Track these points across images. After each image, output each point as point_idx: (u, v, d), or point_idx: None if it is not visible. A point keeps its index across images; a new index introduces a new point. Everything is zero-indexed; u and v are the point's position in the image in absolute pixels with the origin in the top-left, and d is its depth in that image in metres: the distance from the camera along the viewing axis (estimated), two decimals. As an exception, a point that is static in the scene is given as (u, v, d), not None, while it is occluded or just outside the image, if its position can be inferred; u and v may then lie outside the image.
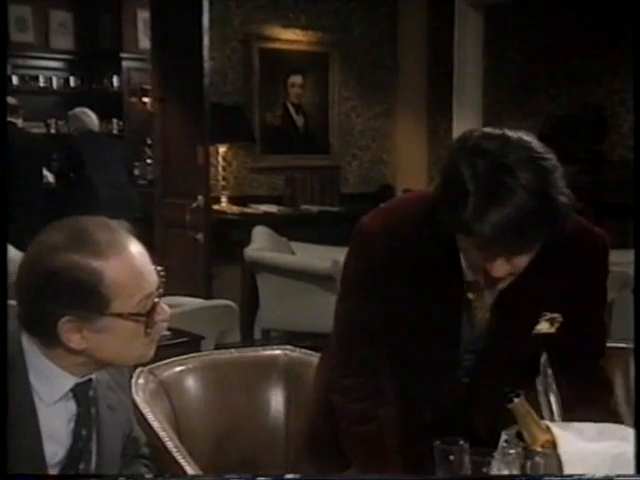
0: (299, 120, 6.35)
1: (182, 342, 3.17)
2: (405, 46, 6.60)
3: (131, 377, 1.59)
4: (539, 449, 1.46)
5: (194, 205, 5.57)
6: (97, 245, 1.30)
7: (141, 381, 2.02)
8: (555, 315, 1.68)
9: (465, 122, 6.46)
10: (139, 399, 1.95)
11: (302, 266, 4.97)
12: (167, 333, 2.99)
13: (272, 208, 5.91)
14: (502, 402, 1.66)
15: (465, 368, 1.75)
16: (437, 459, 1.44)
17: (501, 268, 1.52)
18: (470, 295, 1.69)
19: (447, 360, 1.75)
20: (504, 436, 1.51)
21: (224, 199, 5.90)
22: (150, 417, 1.92)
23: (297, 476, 1.60)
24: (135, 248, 1.34)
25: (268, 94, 6.15)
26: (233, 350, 2.31)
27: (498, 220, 1.43)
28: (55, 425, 1.37)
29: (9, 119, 6.07)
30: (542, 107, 6.26)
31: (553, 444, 1.48)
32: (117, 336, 1.32)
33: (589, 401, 1.67)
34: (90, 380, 1.41)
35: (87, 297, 1.29)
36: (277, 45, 6.13)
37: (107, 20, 8.39)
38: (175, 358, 2.18)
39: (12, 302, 1.37)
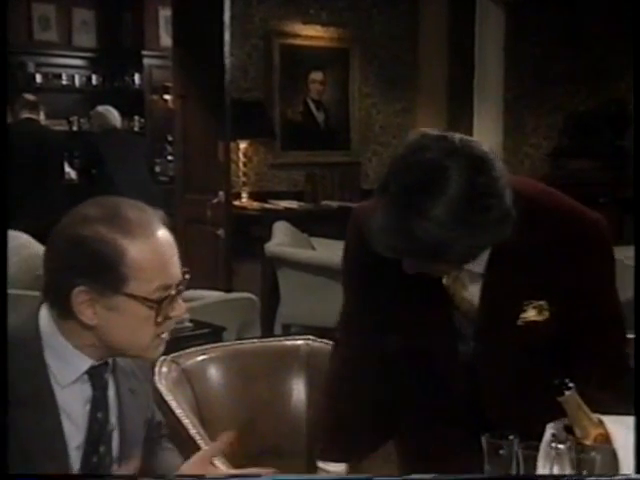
0: (320, 116, 6.36)
1: (204, 333, 3.19)
2: (426, 42, 6.59)
3: (152, 365, 1.60)
4: (590, 443, 1.42)
5: (215, 201, 5.59)
6: (127, 223, 1.31)
7: (164, 369, 2.04)
8: (541, 302, 1.64)
9: (486, 118, 6.45)
10: (162, 387, 1.97)
11: (322, 261, 4.97)
12: (189, 324, 3.02)
13: (293, 204, 5.93)
14: (514, 391, 1.69)
15: (468, 360, 1.74)
16: (486, 453, 1.43)
17: (410, 269, 1.55)
18: (445, 281, 1.68)
19: (443, 348, 1.75)
20: (550, 430, 1.47)
21: (245, 195, 5.92)
22: (173, 405, 1.94)
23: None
24: (164, 237, 1.35)
25: (288, 90, 6.16)
26: (255, 340, 2.33)
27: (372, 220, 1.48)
28: (71, 407, 1.38)
29: (29, 115, 6.12)
30: (563, 103, 6.24)
31: (605, 438, 1.43)
32: (127, 318, 1.32)
33: (607, 388, 1.63)
34: (106, 364, 1.42)
35: (105, 271, 1.29)
36: (298, 41, 6.13)
37: (129, 18, 8.46)
38: (197, 347, 2.20)
39: (13, 291, 1.38)
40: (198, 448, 1.87)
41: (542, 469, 1.44)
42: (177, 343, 2.67)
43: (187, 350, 2.17)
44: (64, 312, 1.34)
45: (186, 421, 1.91)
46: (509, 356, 1.72)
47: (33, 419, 1.32)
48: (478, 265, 1.63)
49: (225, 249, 5.57)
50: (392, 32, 6.54)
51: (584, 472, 1.41)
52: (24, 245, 4.67)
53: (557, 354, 1.72)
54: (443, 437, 1.79)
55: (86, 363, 1.38)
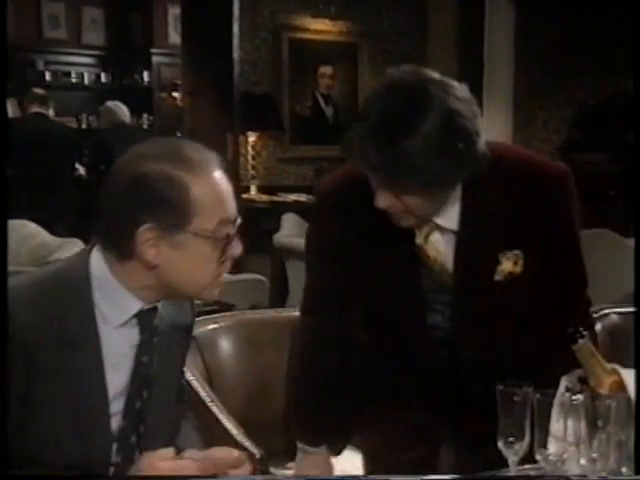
0: (328, 111, 6.35)
1: (212, 310, 3.16)
2: (434, 37, 6.59)
3: (193, 320, 1.58)
4: (605, 392, 1.40)
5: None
6: (189, 161, 1.32)
7: (174, 336, 2.03)
8: (515, 252, 1.66)
9: (495, 112, 6.43)
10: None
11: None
12: (197, 302, 3.00)
13: (302, 197, 5.92)
14: (493, 361, 1.66)
15: (444, 329, 1.73)
16: (500, 403, 1.41)
17: (383, 200, 1.56)
18: (417, 240, 1.68)
19: (411, 315, 1.73)
20: (564, 382, 1.46)
21: (253, 188, 5.91)
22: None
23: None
24: (221, 175, 1.36)
25: (297, 84, 6.16)
26: (266, 310, 2.32)
27: (354, 135, 1.51)
28: (118, 350, 1.37)
29: (39, 110, 6.13)
30: (573, 96, 6.21)
31: (619, 386, 1.42)
32: (191, 256, 1.32)
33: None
34: (155, 309, 1.41)
35: (171, 207, 1.29)
36: (306, 35, 6.14)
37: (138, 16, 8.48)
38: (208, 316, 2.19)
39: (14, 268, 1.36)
40: (208, 410, 1.87)
41: (556, 422, 1.42)
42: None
43: (197, 319, 2.15)
44: (125, 252, 1.33)
45: (195, 383, 1.90)
46: (486, 321, 1.71)
47: (77, 360, 1.32)
48: (450, 220, 1.65)
49: (234, 242, 5.55)
50: (401, 27, 6.55)
51: (599, 423, 1.39)
52: (32, 234, 4.69)
53: (529, 318, 1.72)
54: (414, 421, 1.78)
55: (137, 305, 1.37)
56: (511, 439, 1.41)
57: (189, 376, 1.92)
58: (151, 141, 1.39)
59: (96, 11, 8.48)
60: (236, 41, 5.55)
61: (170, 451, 1.32)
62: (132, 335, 1.39)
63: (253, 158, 5.96)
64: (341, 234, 1.72)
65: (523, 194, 1.66)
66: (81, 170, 7.16)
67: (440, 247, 1.68)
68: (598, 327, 2.05)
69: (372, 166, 1.54)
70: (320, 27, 6.19)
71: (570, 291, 1.74)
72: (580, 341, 1.41)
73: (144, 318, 1.39)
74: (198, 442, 1.52)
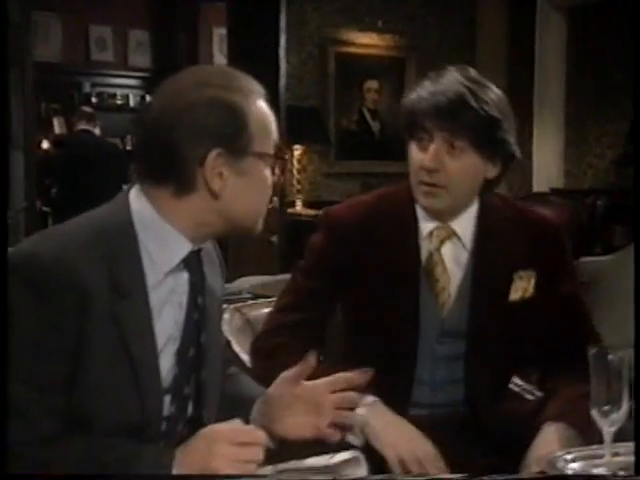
0: (375, 126, 6.26)
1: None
2: (484, 51, 6.48)
3: (223, 266, 1.49)
4: None
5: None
6: (241, 88, 1.30)
7: (226, 316, 1.93)
8: (529, 272, 1.69)
9: (546, 128, 6.29)
10: (225, 331, 1.85)
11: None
12: (248, 295, 2.92)
13: (348, 212, 5.82)
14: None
15: (453, 357, 1.70)
16: (593, 367, 1.28)
17: (432, 156, 1.62)
18: (431, 246, 1.68)
19: (406, 344, 1.69)
20: None
21: (299, 203, 5.83)
22: (237, 349, 1.84)
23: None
24: (265, 102, 1.35)
25: (344, 99, 6.10)
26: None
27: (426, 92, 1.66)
28: (166, 295, 1.29)
29: (86, 127, 6.19)
30: (628, 110, 6.04)
31: None
32: (254, 182, 1.31)
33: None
34: (200, 250, 1.35)
35: (235, 132, 1.27)
36: (353, 49, 6.08)
37: (183, 38, 8.51)
38: (262, 300, 2.09)
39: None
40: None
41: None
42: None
43: (250, 302, 2.06)
44: (185, 186, 1.27)
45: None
46: (500, 358, 1.70)
47: (127, 307, 1.24)
48: (465, 231, 1.70)
49: (278, 255, 5.47)
50: (449, 41, 6.46)
51: None
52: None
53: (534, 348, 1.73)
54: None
55: (186, 248, 1.30)
56: (606, 407, 1.27)
57: (243, 357, 1.82)
58: (197, 70, 1.38)
59: (142, 33, 8.56)
60: (282, 54, 5.51)
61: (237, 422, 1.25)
62: (181, 279, 1.31)
63: (299, 172, 5.89)
64: (345, 260, 1.73)
65: (531, 230, 1.73)
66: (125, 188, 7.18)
67: (449, 264, 1.69)
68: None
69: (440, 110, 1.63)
70: (367, 41, 6.13)
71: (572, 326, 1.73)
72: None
73: (192, 260, 1.32)
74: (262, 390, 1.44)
